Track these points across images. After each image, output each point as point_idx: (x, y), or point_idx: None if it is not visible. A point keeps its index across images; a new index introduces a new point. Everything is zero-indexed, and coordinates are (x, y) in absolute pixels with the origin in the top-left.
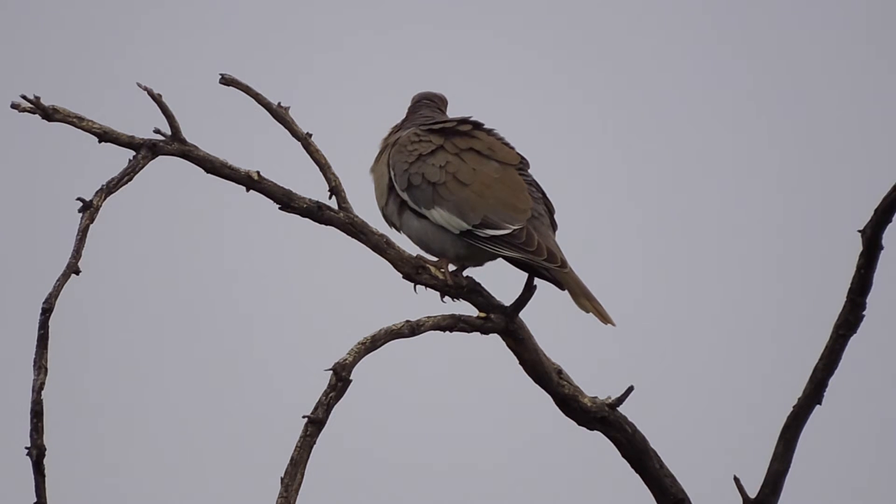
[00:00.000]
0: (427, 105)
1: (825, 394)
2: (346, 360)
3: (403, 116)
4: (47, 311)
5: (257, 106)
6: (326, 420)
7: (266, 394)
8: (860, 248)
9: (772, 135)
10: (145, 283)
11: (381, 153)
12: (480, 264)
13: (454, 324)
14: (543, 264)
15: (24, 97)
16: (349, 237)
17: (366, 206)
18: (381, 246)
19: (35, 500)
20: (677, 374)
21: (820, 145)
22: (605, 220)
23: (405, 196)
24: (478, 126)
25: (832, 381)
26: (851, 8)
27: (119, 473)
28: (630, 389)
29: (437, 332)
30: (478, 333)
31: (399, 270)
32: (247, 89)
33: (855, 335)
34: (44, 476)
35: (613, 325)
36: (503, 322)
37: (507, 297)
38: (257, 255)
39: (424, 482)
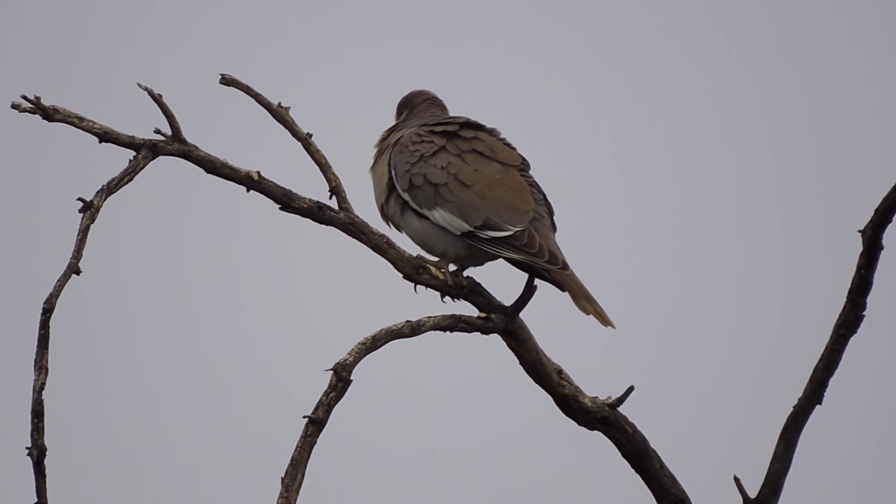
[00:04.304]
0: (435, 104)
1: (825, 394)
2: (346, 360)
3: (402, 117)
4: (48, 311)
5: (257, 106)
6: (327, 420)
7: (266, 394)
8: (860, 248)
9: (771, 135)
10: (146, 283)
11: (381, 152)
12: (481, 264)
13: (455, 324)
14: (545, 266)
15: (24, 97)
16: (349, 237)
17: (366, 207)
18: (381, 246)
19: (36, 500)
20: (677, 374)
21: (820, 145)
22: (604, 221)
23: (406, 196)
24: (479, 127)
25: (832, 381)
26: (851, 8)
27: (119, 473)
28: (630, 389)
29: (438, 332)
30: (478, 334)
31: (399, 270)
32: (247, 89)
33: (855, 335)
34: (44, 476)
35: (613, 327)
36: (503, 322)
37: (507, 297)
38: (257, 255)
39: (424, 482)
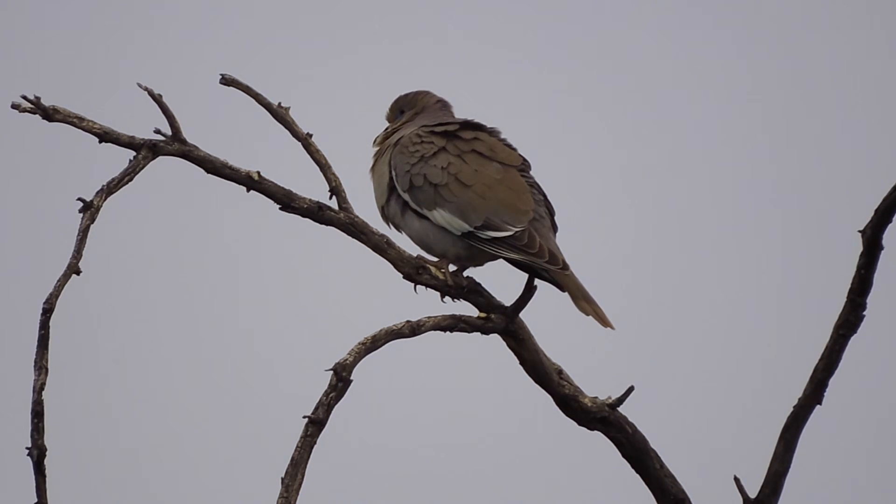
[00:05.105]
0: (446, 108)
1: (825, 394)
2: (346, 360)
3: (405, 118)
4: (48, 311)
5: (258, 106)
6: (327, 420)
7: (266, 394)
8: (860, 248)
9: (772, 135)
10: (146, 283)
11: (382, 153)
12: (481, 264)
13: (455, 324)
14: (545, 266)
15: (24, 97)
16: (349, 237)
17: (366, 207)
18: (381, 246)
19: (36, 500)
20: (677, 374)
21: (820, 145)
22: (604, 222)
23: (406, 197)
24: (480, 127)
25: (832, 381)
26: (851, 7)
27: (119, 474)
28: (630, 389)
29: (438, 332)
30: (478, 334)
31: (399, 271)
32: (247, 89)
33: (855, 335)
34: (44, 476)
35: (613, 328)
36: (503, 322)
37: (507, 297)
38: (257, 256)
39: (424, 482)
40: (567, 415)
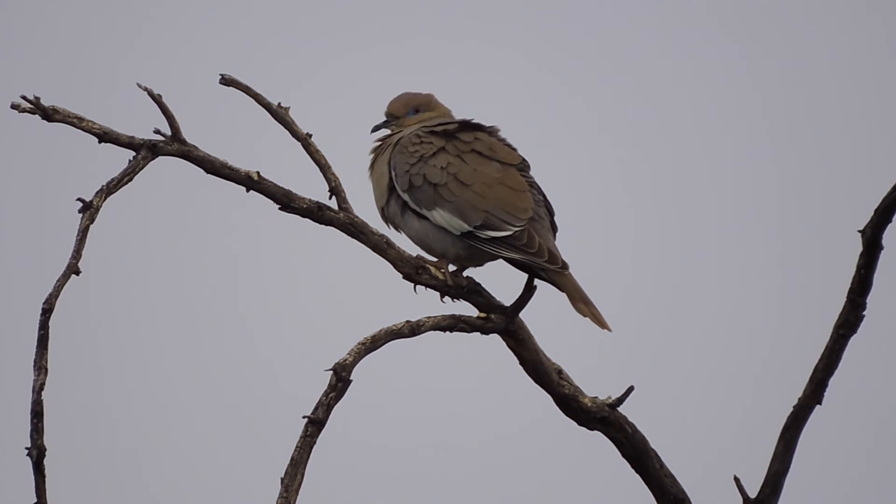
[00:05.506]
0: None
1: (825, 394)
2: (346, 360)
3: (412, 119)
4: (47, 311)
5: (257, 106)
6: (326, 420)
7: (266, 394)
8: (860, 248)
9: (772, 134)
10: (145, 283)
11: (380, 153)
12: (481, 264)
13: (454, 324)
14: (544, 266)
15: (24, 97)
16: (349, 237)
17: (366, 207)
18: (381, 246)
19: (35, 500)
20: (677, 374)
21: (820, 145)
22: (604, 222)
23: (406, 197)
24: (479, 128)
25: (832, 381)
26: (851, 7)
27: (119, 474)
28: (630, 389)
29: (438, 332)
30: (478, 334)
31: (399, 271)
32: (247, 89)
33: (855, 335)
34: (44, 476)
35: (609, 330)
36: (503, 322)
37: (507, 297)
38: (257, 256)
39: (424, 482)
40: (567, 415)
